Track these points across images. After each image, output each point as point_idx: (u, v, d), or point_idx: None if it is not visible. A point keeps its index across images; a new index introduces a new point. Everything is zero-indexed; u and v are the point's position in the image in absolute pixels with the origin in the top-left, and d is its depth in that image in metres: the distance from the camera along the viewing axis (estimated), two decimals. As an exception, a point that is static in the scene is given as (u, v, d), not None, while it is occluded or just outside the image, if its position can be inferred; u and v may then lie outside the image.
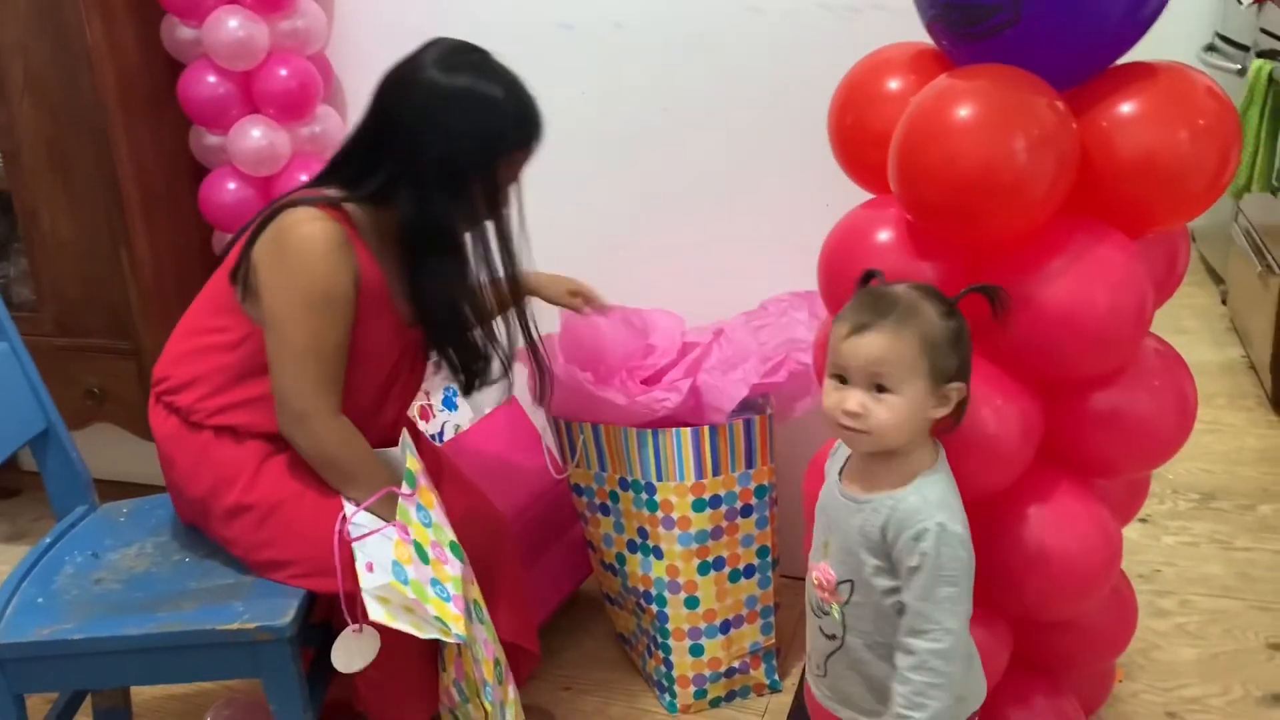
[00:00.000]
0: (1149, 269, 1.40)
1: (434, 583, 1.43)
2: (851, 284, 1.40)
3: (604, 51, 2.05)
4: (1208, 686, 1.93)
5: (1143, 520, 2.47)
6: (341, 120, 2.23)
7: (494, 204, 1.54)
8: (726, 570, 1.91)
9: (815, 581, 1.34)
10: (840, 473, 1.34)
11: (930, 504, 1.24)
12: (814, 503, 1.43)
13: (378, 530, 1.43)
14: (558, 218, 2.15)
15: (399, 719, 1.59)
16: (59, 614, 1.46)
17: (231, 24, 1.99)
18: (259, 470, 1.53)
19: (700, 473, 1.84)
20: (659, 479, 1.85)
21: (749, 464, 1.87)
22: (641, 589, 1.93)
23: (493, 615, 1.62)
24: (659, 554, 1.89)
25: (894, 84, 1.49)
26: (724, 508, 1.87)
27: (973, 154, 1.30)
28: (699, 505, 1.85)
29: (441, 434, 2.12)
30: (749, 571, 1.93)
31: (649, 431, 1.83)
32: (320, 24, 2.13)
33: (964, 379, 1.26)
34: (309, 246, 1.44)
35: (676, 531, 1.86)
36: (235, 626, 1.40)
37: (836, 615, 1.32)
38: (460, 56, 1.52)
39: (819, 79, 1.61)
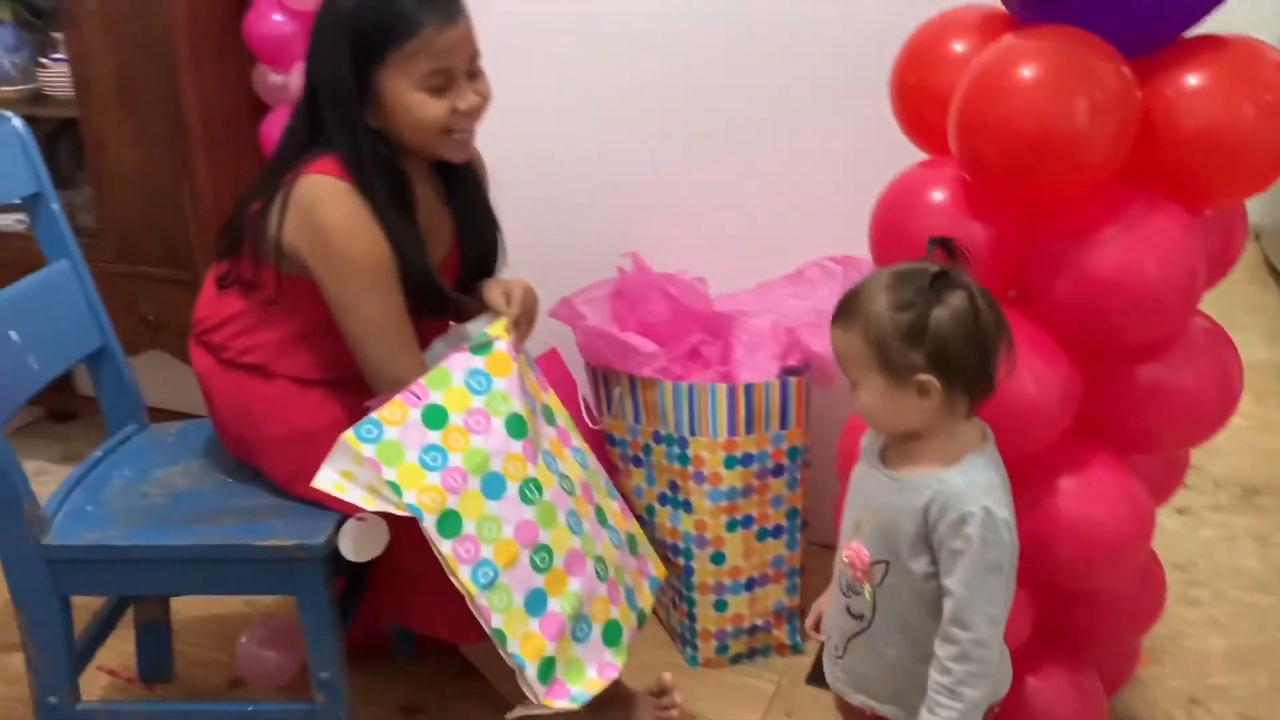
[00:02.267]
0: (1203, 245, 1.39)
1: (426, 449, 1.36)
2: (903, 244, 1.41)
3: (662, 9, 2.04)
4: (1234, 676, 1.92)
5: (1181, 511, 2.45)
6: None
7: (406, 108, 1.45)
8: (755, 529, 1.92)
9: (847, 560, 1.31)
10: (881, 451, 1.32)
11: (976, 487, 1.21)
12: (849, 466, 1.43)
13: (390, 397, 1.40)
14: (604, 172, 2.18)
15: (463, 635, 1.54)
16: (106, 522, 1.51)
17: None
18: (291, 405, 1.56)
19: (733, 430, 1.85)
20: (692, 434, 1.87)
21: (783, 424, 1.88)
22: (669, 542, 1.95)
23: None
24: (688, 508, 1.91)
25: (959, 46, 1.48)
26: (755, 466, 1.88)
27: (1032, 112, 1.29)
28: (730, 462, 1.87)
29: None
30: (777, 532, 1.94)
31: (684, 386, 1.84)
32: None
33: (941, 371, 1.19)
34: (349, 228, 1.43)
35: (707, 487, 1.88)
36: (272, 543, 1.44)
37: (868, 596, 1.29)
38: None
39: (884, 40, 1.59)
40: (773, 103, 2.03)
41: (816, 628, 1.46)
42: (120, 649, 1.92)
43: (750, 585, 1.95)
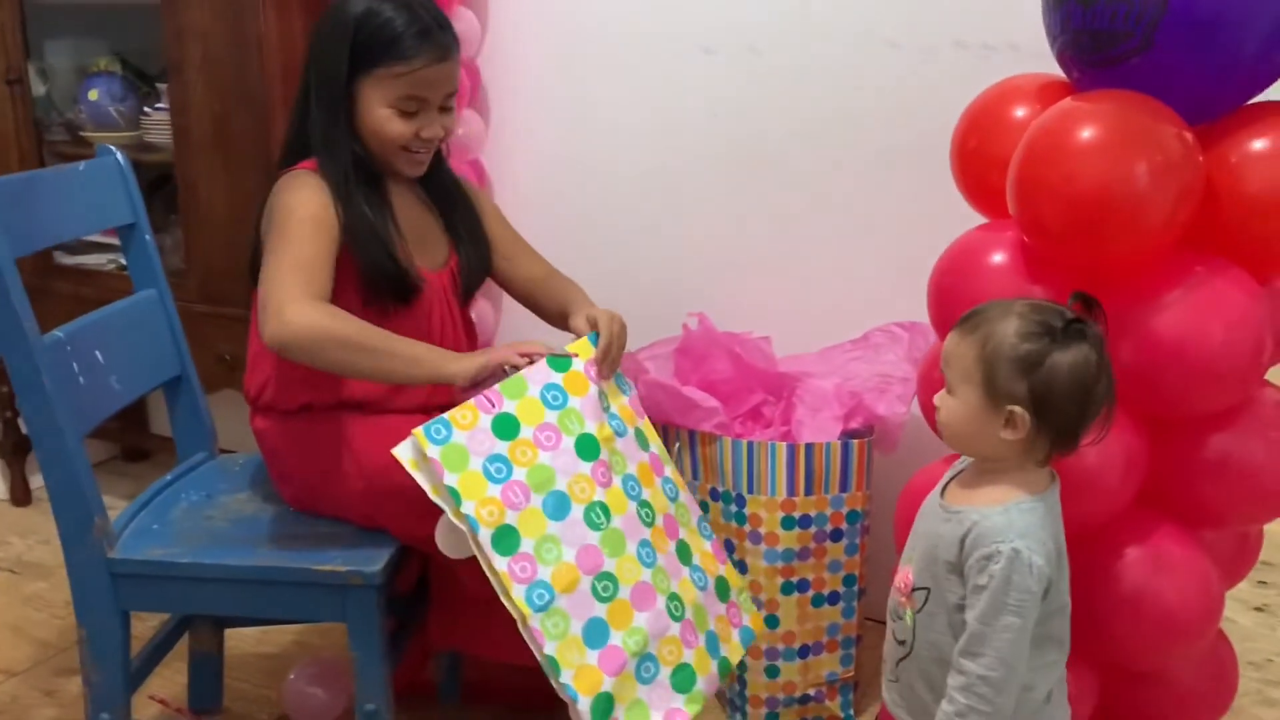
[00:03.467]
0: (1271, 313, 1.37)
1: (491, 458, 1.32)
2: (960, 307, 1.41)
3: (740, 75, 2.10)
4: (1312, 779, 1.82)
5: (1259, 609, 2.36)
6: (484, 125, 2.34)
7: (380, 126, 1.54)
8: (810, 593, 1.90)
9: (896, 584, 1.34)
10: (949, 480, 1.34)
11: (1013, 528, 1.21)
12: (906, 532, 1.43)
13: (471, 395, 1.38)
14: (677, 234, 2.23)
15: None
16: (170, 540, 1.55)
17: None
18: (350, 441, 1.57)
19: (792, 490, 1.84)
20: (750, 492, 1.86)
21: (843, 487, 1.87)
22: (723, 602, 1.93)
23: None
24: (743, 568, 1.89)
25: (1020, 111, 1.50)
26: (813, 529, 1.87)
27: (1092, 174, 1.30)
28: (788, 523, 1.85)
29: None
30: (833, 598, 1.91)
31: (743, 442, 1.84)
32: (474, 31, 2.25)
33: (1037, 411, 1.19)
34: (292, 184, 1.52)
35: (763, 547, 1.86)
36: (328, 568, 1.46)
37: (909, 621, 1.31)
38: None
39: (947, 114, 1.63)
40: (840, 169, 2.06)
41: None
42: (173, 680, 1.95)
43: (804, 652, 1.91)
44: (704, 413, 1.87)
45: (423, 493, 1.32)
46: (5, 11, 2.33)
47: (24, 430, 2.64)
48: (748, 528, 1.87)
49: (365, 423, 1.57)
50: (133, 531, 1.57)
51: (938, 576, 1.27)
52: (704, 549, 1.58)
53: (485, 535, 1.28)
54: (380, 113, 1.53)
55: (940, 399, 1.27)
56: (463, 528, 1.28)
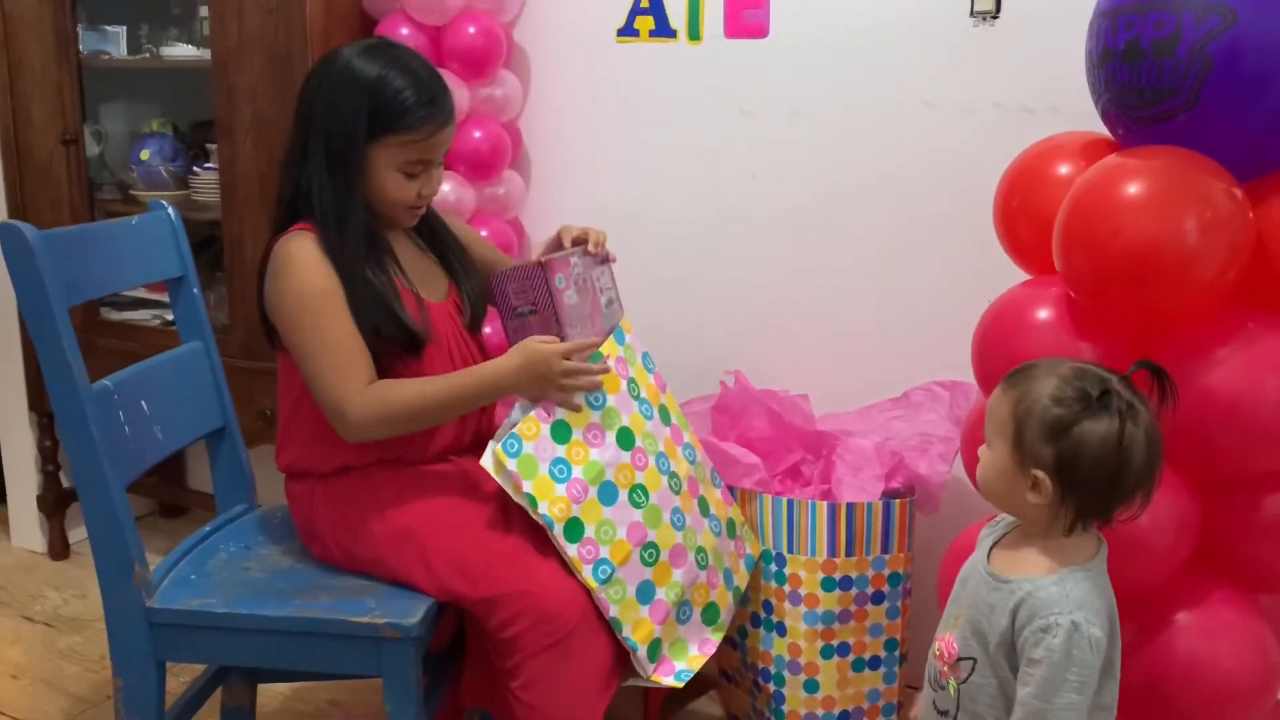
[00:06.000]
0: (1326, 371, 1.35)
1: (555, 462, 1.54)
2: (1004, 362, 1.40)
3: (778, 137, 2.12)
4: None
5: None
6: (524, 185, 2.36)
7: (383, 190, 1.57)
8: (851, 657, 1.86)
9: (936, 652, 1.30)
10: (993, 547, 1.30)
11: (1070, 599, 1.17)
12: (948, 591, 1.40)
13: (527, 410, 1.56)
14: (714, 292, 2.23)
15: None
16: (208, 590, 1.55)
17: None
18: (377, 492, 1.60)
19: (833, 550, 1.82)
20: (790, 551, 1.83)
21: (885, 548, 1.84)
22: (760, 666, 1.89)
23: None
24: (782, 630, 1.86)
25: (1063, 169, 1.50)
26: (854, 591, 1.83)
27: (1140, 229, 1.29)
28: (829, 584, 1.82)
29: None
30: (874, 663, 1.87)
31: (784, 500, 1.82)
32: (516, 93, 2.29)
33: (1062, 479, 1.16)
34: (293, 256, 1.54)
35: (803, 609, 1.83)
36: (365, 620, 1.45)
37: (952, 692, 1.26)
38: (372, 45, 1.59)
39: (986, 175, 1.64)
40: (878, 229, 2.06)
41: None
42: (204, 735, 1.94)
43: (844, 719, 1.87)
44: (744, 469, 1.86)
45: (438, 541, 1.56)
46: (63, 73, 2.40)
47: (64, 484, 2.67)
48: (787, 588, 1.84)
49: (394, 473, 1.61)
50: (171, 581, 1.57)
51: (986, 648, 1.23)
52: (716, 497, 1.80)
53: (558, 529, 1.53)
54: (390, 176, 1.57)
55: (981, 451, 1.26)
56: (540, 523, 1.53)
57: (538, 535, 1.59)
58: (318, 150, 1.55)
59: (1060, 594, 1.17)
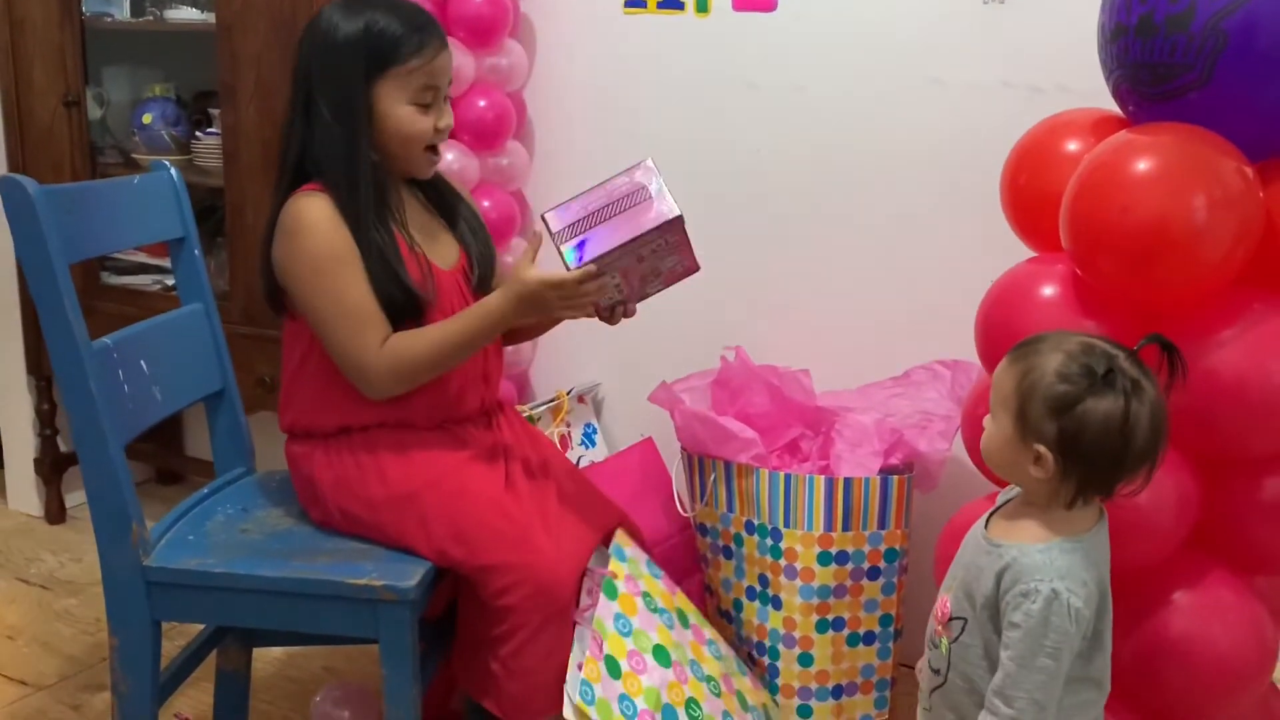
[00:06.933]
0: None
1: (620, 699, 1.49)
2: (1009, 340, 1.39)
3: (784, 112, 2.11)
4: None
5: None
6: (528, 157, 2.36)
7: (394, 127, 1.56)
8: (845, 632, 1.86)
9: (935, 611, 1.32)
10: (991, 513, 1.31)
11: (1053, 567, 1.18)
12: (945, 568, 1.41)
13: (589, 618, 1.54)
14: (718, 267, 2.22)
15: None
16: (205, 551, 1.55)
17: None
18: (376, 454, 1.59)
19: (830, 524, 1.82)
20: (786, 525, 1.83)
21: (881, 524, 1.84)
22: (755, 639, 1.90)
23: None
24: (777, 604, 1.86)
25: (1072, 145, 1.49)
26: (850, 566, 1.84)
27: (1149, 206, 1.29)
28: (824, 559, 1.83)
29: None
30: (869, 638, 1.88)
31: (780, 474, 1.82)
32: (521, 64, 2.28)
33: (1064, 454, 1.17)
34: (304, 215, 1.53)
35: (798, 583, 1.84)
36: (362, 582, 1.45)
37: (944, 650, 1.29)
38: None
39: (993, 154, 1.63)
40: (884, 205, 2.06)
41: None
42: (199, 700, 1.94)
43: (838, 692, 1.87)
44: (741, 444, 1.86)
45: (438, 507, 1.54)
46: (66, 35, 2.38)
47: (61, 448, 2.67)
48: (783, 562, 1.84)
49: (396, 436, 1.61)
50: (169, 541, 1.57)
51: (975, 609, 1.25)
52: (748, 686, 1.77)
53: None
54: (402, 112, 1.56)
55: (985, 421, 1.26)
56: None
57: (541, 508, 1.59)
58: (320, 109, 1.54)
59: (1045, 561, 1.19)
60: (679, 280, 1.61)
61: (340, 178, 1.54)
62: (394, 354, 1.53)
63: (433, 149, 1.62)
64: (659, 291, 1.61)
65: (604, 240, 1.47)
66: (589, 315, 1.55)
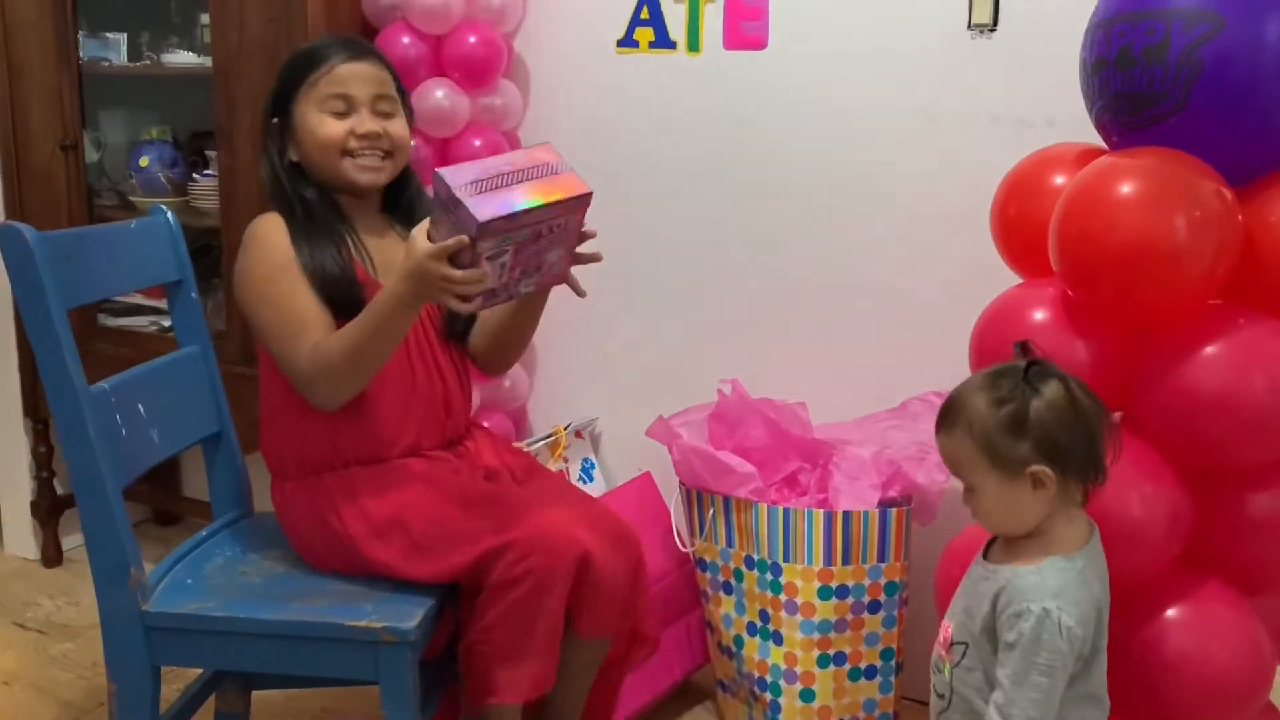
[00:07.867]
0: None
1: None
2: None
3: (777, 149, 2.13)
4: None
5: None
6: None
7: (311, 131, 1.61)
8: (847, 667, 1.86)
9: (939, 637, 1.34)
10: (990, 541, 1.35)
11: (1046, 587, 1.22)
12: (947, 598, 1.42)
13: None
14: (713, 301, 2.24)
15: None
16: (204, 594, 1.54)
17: (438, 94, 2.17)
18: (353, 490, 1.59)
19: (829, 559, 1.82)
20: (786, 559, 1.83)
21: (881, 557, 1.84)
22: (757, 675, 1.89)
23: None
24: (778, 639, 1.85)
25: (1059, 178, 1.52)
26: (851, 599, 1.83)
27: (1132, 224, 1.32)
28: (825, 593, 1.82)
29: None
30: (870, 672, 1.87)
31: (779, 509, 1.82)
32: (516, 103, 2.30)
33: (1052, 459, 1.22)
34: (255, 234, 1.61)
35: (799, 618, 1.83)
36: (362, 624, 1.45)
37: (946, 675, 1.31)
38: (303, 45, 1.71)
39: (983, 187, 1.65)
40: (876, 239, 2.07)
41: None
42: (197, 742, 1.92)
43: (839, 728, 1.87)
44: (739, 478, 1.86)
45: (424, 525, 1.53)
46: (63, 79, 2.40)
47: (58, 491, 2.66)
48: (784, 597, 1.84)
49: (367, 471, 1.61)
50: (167, 585, 1.56)
51: (974, 632, 1.28)
52: None
53: None
54: (313, 118, 1.62)
55: (968, 500, 1.28)
56: None
57: (537, 497, 1.59)
58: (266, 137, 1.65)
59: (1037, 583, 1.22)
60: (549, 288, 1.55)
61: (276, 191, 1.63)
62: (320, 354, 1.52)
63: (351, 154, 1.62)
64: (527, 293, 1.50)
65: (513, 200, 1.31)
66: (463, 297, 1.39)
